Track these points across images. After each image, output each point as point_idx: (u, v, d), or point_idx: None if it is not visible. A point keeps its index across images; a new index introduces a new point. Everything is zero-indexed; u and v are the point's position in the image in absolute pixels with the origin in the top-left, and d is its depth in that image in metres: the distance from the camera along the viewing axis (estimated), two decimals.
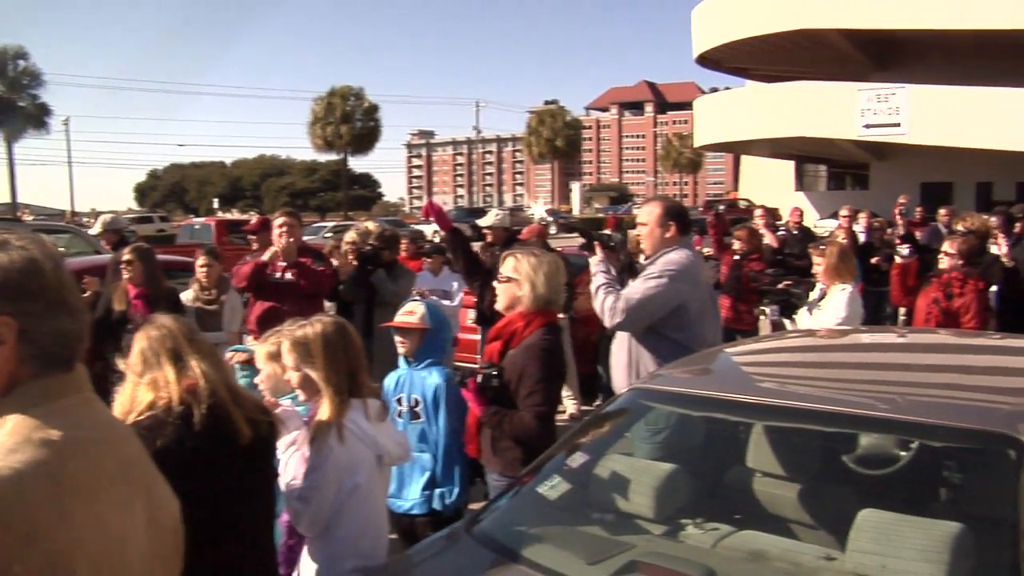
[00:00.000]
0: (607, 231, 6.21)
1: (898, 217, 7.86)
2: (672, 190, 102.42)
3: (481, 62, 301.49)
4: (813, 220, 26.74)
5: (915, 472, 2.13)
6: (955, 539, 1.80)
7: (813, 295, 4.49)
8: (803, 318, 4.50)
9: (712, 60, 32.85)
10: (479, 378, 2.75)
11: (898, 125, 23.82)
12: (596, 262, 3.31)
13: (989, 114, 21.88)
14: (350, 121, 50.22)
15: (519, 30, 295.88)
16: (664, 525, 2.18)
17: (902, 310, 6.53)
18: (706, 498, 2.41)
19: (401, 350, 3.02)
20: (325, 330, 2.33)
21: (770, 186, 36.00)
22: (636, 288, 3.19)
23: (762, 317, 6.13)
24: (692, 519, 2.19)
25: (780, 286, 5.47)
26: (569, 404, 6.21)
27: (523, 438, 2.73)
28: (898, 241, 5.55)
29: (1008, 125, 21.40)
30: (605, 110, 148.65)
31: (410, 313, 3.01)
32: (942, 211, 9.39)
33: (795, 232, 8.46)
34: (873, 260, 7.31)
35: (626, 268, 5.07)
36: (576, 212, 49.13)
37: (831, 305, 4.27)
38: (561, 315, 5.03)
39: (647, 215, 3.33)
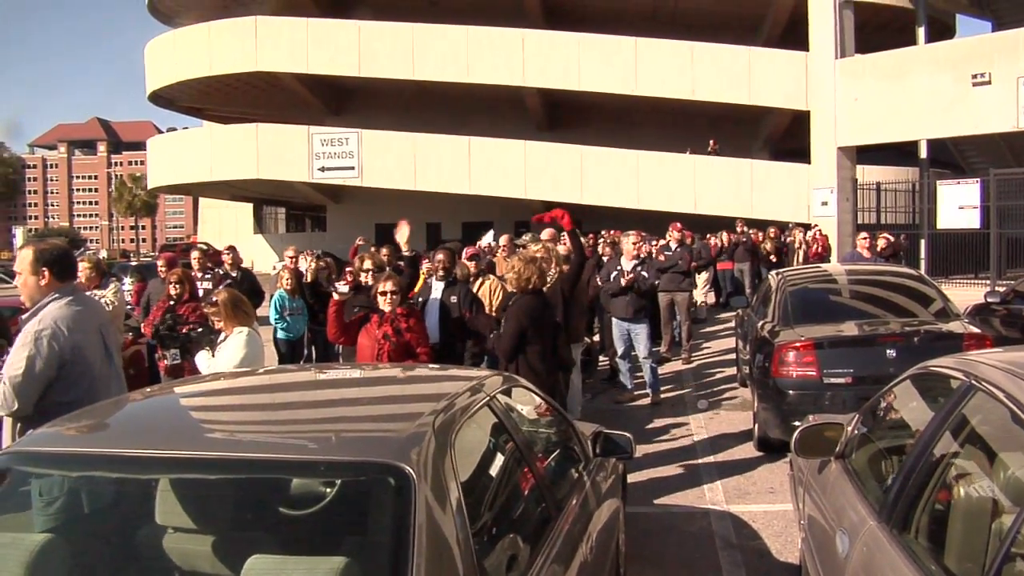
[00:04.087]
0: None
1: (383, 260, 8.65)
2: (128, 234, 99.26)
3: None
4: (271, 263, 27.83)
5: (311, 511, 2.25)
6: (339, 573, 1.94)
7: (221, 338, 4.77)
8: (203, 362, 4.76)
9: (166, 98, 32.48)
10: None
11: (352, 168, 26.49)
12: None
13: (432, 159, 25.76)
14: None
15: None
16: None
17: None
18: (112, 565, 2.32)
19: None
20: None
21: (229, 229, 36.28)
22: (13, 363, 3.20)
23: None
24: None
25: (184, 330, 5.72)
26: None
27: None
28: (348, 279, 6.06)
29: (449, 169, 25.64)
30: (53, 148, 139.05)
31: None
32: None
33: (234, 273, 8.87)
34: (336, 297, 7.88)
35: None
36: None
37: (229, 347, 4.61)
38: None
39: (20, 262, 3.31)
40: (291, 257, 9.17)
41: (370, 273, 6.57)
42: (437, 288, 6.45)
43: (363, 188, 27.42)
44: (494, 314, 6.55)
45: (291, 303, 8.53)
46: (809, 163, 21.32)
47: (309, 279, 8.50)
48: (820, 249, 16.63)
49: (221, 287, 6.59)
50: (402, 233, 6.70)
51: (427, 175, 25.84)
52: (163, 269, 8.11)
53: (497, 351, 5.43)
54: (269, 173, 27.31)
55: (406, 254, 6.88)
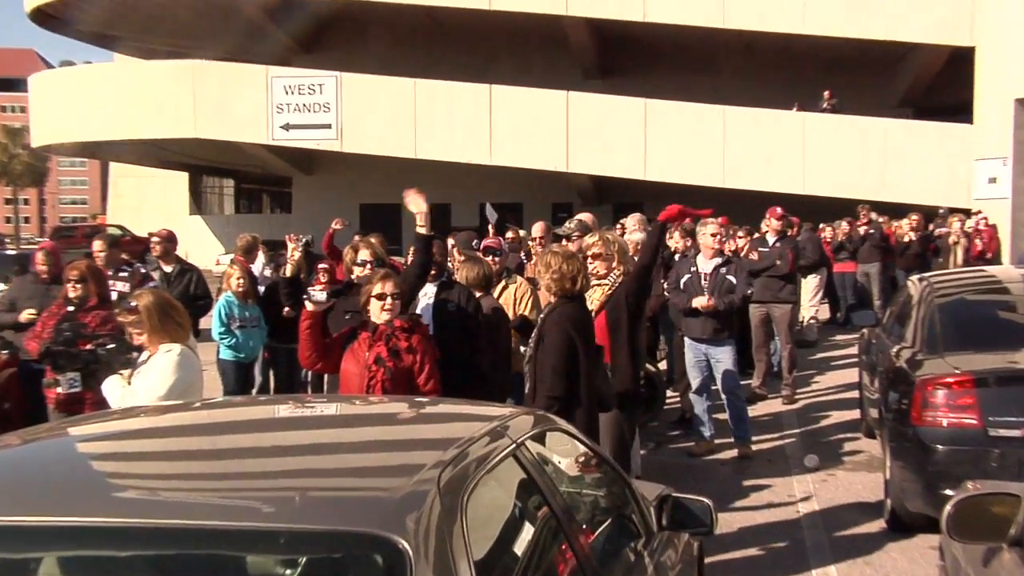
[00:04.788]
0: None
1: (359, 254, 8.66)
2: (4, 211, 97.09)
3: None
4: (216, 256, 28.12)
5: None
6: None
7: (142, 358, 4.80)
8: (114, 391, 4.76)
9: (57, 17, 31.71)
10: None
11: (328, 127, 26.56)
12: None
13: (441, 115, 25.57)
14: None
15: None
16: None
17: None
18: None
19: None
20: None
21: (154, 207, 36.62)
22: None
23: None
24: None
25: (88, 347, 5.78)
26: None
27: None
28: (322, 281, 6.00)
29: (463, 130, 25.40)
30: None
31: None
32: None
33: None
34: (285, 311, 7.92)
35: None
36: None
37: (154, 371, 4.64)
38: None
39: None
40: (255, 245, 9.07)
41: (367, 267, 6.53)
42: (427, 291, 6.44)
43: (343, 155, 27.66)
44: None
45: (241, 311, 8.60)
46: (970, 122, 21.02)
47: (290, 274, 8.40)
48: (985, 246, 16.45)
49: (144, 287, 6.65)
50: (416, 202, 6.27)
51: (432, 138, 25.91)
52: (43, 262, 7.81)
53: (536, 379, 5.44)
54: (212, 131, 27.55)
55: (421, 230, 6.53)
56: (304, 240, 8.75)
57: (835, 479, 7.91)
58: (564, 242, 7.65)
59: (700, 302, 8.28)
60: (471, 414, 3.54)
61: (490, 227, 10.40)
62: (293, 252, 8.21)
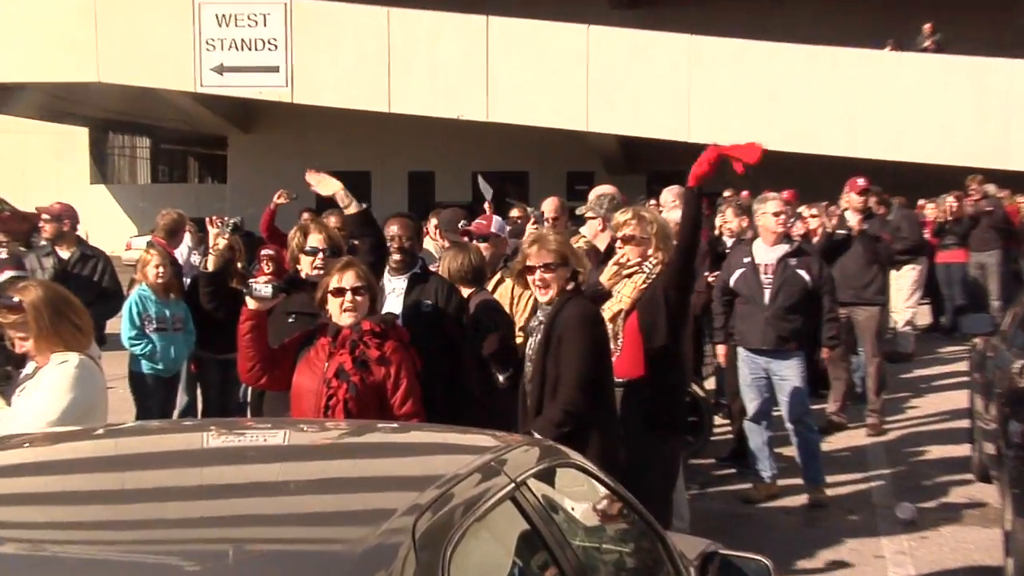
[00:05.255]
0: None
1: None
2: None
3: None
4: (127, 238, 28.12)
5: None
6: None
7: (26, 371, 4.82)
8: None
9: None
10: None
11: (274, 70, 26.57)
12: None
13: (422, 56, 25.62)
14: None
15: None
16: None
17: None
18: None
19: None
20: None
21: (41, 173, 36.55)
22: None
23: None
24: None
25: None
26: None
27: None
28: (266, 269, 5.99)
29: (452, 75, 25.37)
30: None
31: None
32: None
33: None
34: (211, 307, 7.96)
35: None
36: None
37: (44, 387, 4.68)
38: None
39: None
40: (180, 224, 9.08)
41: (319, 257, 6.58)
42: (395, 286, 6.54)
43: (294, 108, 27.56)
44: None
45: (160, 310, 8.63)
46: None
47: (212, 267, 8.49)
48: None
49: (28, 280, 6.63)
50: (325, 183, 6.71)
51: (411, 86, 25.87)
52: None
53: (543, 393, 5.48)
54: (119, 75, 27.53)
55: (350, 210, 6.79)
56: (231, 223, 8.78)
57: (937, 535, 7.91)
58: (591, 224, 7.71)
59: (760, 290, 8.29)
60: (458, 444, 3.56)
61: (486, 205, 10.39)
62: (216, 240, 8.26)
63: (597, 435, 5.38)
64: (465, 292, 6.72)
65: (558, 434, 5.14)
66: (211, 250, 8.45)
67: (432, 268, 7.10)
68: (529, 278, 5.67)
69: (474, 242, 7.42)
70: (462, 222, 8.45)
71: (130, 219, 32.18)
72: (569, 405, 5.37)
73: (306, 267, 6.65)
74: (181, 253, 10.38)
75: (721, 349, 9.04)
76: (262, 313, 5.46)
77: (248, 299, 5.39)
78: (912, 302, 14.88)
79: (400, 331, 5.59)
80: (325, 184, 6.60)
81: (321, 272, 6.16)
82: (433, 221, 9.09)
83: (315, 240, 6.71)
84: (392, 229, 6.65)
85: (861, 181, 11.46)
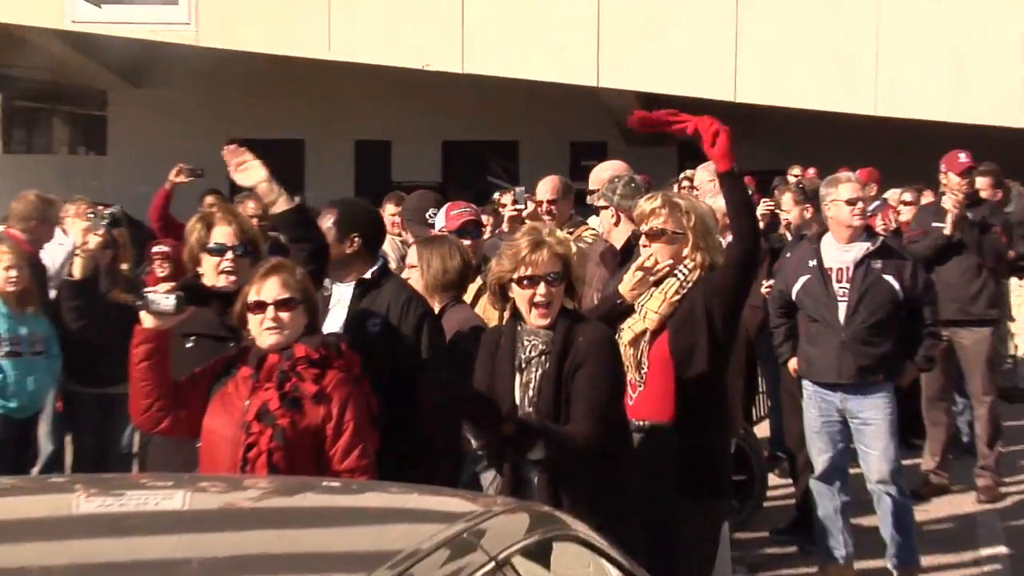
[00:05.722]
0: None
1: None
2: None
3: None
4: None
5: None
6: None
7: None
8: None
9: None
10: None
11: (175, 2, 26.75)
12: None
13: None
14: None
15: None
16: None
17: None
18: None
19: None
20: None
21: None
22: None
23: None
24: None
25: None
26: None
27: None
28: (159, 276, 5.98)
29: (416, 16, 25.62)
30: None
31: None
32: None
33: None
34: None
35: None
36: None
37: None
38: None
39: None
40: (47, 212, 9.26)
41: (226, 258, 6.56)
42: (340, 295, 6.66)
43: (201, 52, 27.71)
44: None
45: (14, 328, 8.68)
46: None
47: (79, 274, 8.50)
48: None
49: None
50: (250, 171, 6.54)
51: (360, 26, 26.04)
52: None
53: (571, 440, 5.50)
54: None
55: (279, 207, 6.75)
56: (107, 214, 8.77)
57: None
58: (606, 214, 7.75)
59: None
60: (420, 510, 3.62)
61: (508, 196, 10.30)
62: (86, 236, 8.24)
63: (607, 495, 5.36)
64: (436, 305, 6.72)
65: (570, 457, 5.20)
66: (78, 251, 8.41)
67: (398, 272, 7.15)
68: (522, 293, 5.60)
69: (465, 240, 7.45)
70: (430, 211, 8.43)
71: None
72: (590, 433, 5.38)
73: (209, 271, 6.54)
74: (48, 255, 10.30)
75: (792, 365, 8.95)
76: (164, 333, 5.50)
77: (144, 315, 5.42)
78: None
79: (349, 358, 5.64)
80: (248, 171, 6.47)
81: (231, 278, 6.19)
82: (390, 208, 9.12)
83: (222, 234, 6.60)
84: (327, 221, 6.69)
85: (963, 157, 11.29)
